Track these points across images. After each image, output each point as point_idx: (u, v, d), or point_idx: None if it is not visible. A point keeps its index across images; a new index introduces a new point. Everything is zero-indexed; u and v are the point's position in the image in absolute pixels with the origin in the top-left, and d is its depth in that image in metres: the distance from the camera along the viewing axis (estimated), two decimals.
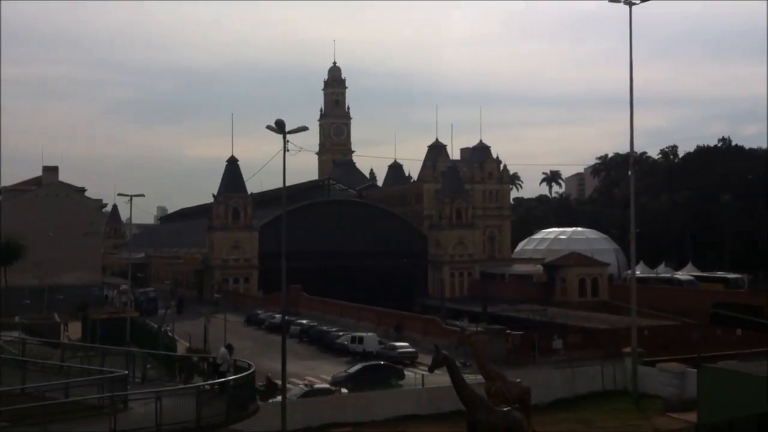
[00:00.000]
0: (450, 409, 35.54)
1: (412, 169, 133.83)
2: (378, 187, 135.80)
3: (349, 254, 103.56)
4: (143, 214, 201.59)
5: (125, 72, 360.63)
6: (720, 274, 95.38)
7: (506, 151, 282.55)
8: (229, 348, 30.91)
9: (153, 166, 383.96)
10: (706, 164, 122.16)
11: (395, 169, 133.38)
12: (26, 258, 75.77)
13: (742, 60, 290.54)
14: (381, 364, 48.80)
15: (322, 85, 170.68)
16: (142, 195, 60.06)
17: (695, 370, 35.99)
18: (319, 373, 50.18)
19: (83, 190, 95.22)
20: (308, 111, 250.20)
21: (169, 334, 55.49)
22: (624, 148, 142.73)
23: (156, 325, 57.19)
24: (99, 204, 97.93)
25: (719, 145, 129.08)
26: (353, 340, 58.37)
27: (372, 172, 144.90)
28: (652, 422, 35.94)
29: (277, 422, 31.27)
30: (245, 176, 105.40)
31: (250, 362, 28.86)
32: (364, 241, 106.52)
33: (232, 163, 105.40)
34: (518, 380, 32.69)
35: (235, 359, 30.47)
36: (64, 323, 61.53)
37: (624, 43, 41.96)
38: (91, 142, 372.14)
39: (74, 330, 62.95)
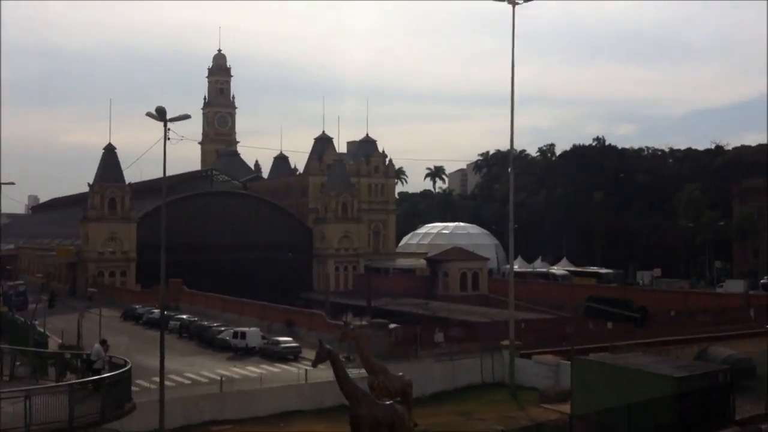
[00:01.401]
0: (333, 404, 35.59)
1: (299, 161, 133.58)
2: (263, 179, 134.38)
3: (232, 247, 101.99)
4: (13, 203, 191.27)
5: None
6: (593, 269, 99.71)
7: (392, 145, 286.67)
8: (104, 344, 29.82)
9: (24, 152, 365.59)
10: (582, 162, 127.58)
11: (281, 160, 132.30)
12: None
13: (617, 62, 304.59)
14: None
15: (206, 73, 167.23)
16: (12, 183, 56.82)
17: (569, 362, 37.37)
18: (199, 369, 49.09)
19: None
20: (191, 99, 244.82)
21: (40, 329, 52.98)
22: (505, 146, 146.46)
23: (26, 320, 54.50)
24: None
25: (594, 144, 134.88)
26: (235, 335, 57.40)
27: (257, 164, 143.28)
28: (528, 413, 37.09)
29: (155, 420, 30.42)
30: (124, 165, 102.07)
31: (126, 359, 27.92)
32: (248, 234, 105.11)
33: (110, 151, 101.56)
34: (400, 374, 33.08)
35: (111, 356, 29.42)
36: None
37: (504, 42, 43.08)
38: None
39: None
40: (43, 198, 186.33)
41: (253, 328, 59.56)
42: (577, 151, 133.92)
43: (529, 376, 43.19)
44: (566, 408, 34.13)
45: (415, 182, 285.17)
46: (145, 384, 39.53)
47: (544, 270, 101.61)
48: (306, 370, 41.39)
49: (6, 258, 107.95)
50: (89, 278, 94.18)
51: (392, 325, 56.09)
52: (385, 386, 31.23)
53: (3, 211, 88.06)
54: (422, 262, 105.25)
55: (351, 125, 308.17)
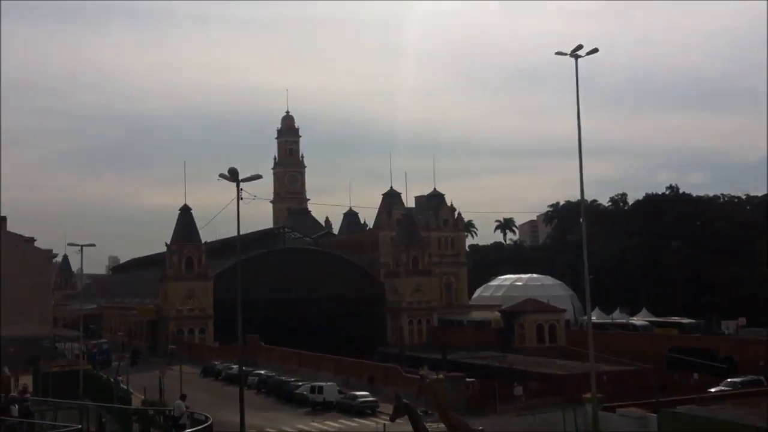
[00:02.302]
0: None
1: (368, 217, 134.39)
2: (334, 235, 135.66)
3: (306, 303, 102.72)
4: (95, 264, 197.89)
5: (72, 119, 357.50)
6: (674, 319, 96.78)
7: (460, 198, 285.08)
8: (183, 398, 30.37)
9: (104, 215, 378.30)
10: (655, 211, 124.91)
11: (350, 216, 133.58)
12: None
13: (685, 110, 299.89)
14: None
15: (275, 134, 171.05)
16: (93, 245, 58.95)
17: (655, 414, 36.19)
18: (278, 424, 49.26)
19: (32, 240, 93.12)
20: (262, 159, 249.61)
21: (123, 386, 54.14)
22: (575, 196, 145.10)
23: (109, 377, 55.78)
24: (49, 254, 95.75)
25: (667, 192, 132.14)
26: (313, 389, 57.52)
27: (327, 220, 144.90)
28: None
29: None
30: (199, 225, 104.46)
31: (207, 415, 28.33)
32: (321, 289, 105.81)
33: (185, 212, 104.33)
34: (480, 428, 32.59)
35: (192, 411, 29.92)
36: (15, 377, 59.61)
37: (571, 93, 42.87)
38: (40, 192, 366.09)
39: (25, 383, 61.01)
40: (123, 259, 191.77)
41: (330, 382, 59.60)
42: (651, 199, 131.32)
43: (614, 429, 41.82)
44: None
45: (485, 235, 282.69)
46: None
47: (624, 320, 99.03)
48: (384, 424, 41.05)
49: (89, 317, 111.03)
50: (169, 336, 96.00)
51: (469, 379, 55.50)
52: None
53: (85, 271, 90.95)
54: (496, 314, 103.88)
55: (418, 180, 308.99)
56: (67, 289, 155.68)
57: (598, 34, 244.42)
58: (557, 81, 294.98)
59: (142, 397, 52.90)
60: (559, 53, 42.38)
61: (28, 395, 31.36)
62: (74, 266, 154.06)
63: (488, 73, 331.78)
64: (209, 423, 26.75)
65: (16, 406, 27.62)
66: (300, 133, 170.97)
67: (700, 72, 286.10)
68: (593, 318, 66.64)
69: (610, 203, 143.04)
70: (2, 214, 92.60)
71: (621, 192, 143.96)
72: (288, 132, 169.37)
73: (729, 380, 54.90)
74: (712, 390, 50.07)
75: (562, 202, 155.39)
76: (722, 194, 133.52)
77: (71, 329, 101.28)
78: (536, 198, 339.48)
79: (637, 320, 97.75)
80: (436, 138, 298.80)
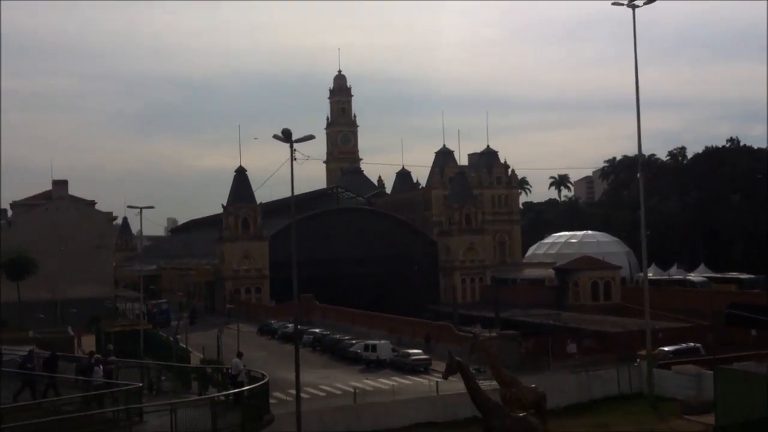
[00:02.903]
0: (465, 416, 35.45)
1: (420, 175, 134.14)
2: (386, 194, 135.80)
3: (359, 262, 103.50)
4: (153, 225, 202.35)
5: (129, 83, 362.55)
6: (733, 274, 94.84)
7: (514, 155, 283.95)
8: (240, 356, 30.96)
9: (161, 177, 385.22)
10: (715, 165, 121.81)
11: (403, 176, 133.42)
12: (38, 272, 75.99)
13: (747, 60, 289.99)
14: None
15: (327, 94, 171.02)
16: (152, 207, 59.96)
17: (711, 372, 35.75)
18: (333, 381, 50.08)
19: (93, 203, 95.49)
20: (315, 119, 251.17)
21: (182, 345, 55.51)
22: (632, 151, 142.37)
23: (169, 336, 57.24)
24: (109, 217, 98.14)
25: (727, 145, 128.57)
26: (366, 348, 58.25)
27: (380, 180, 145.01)
28: (669, 425, 35.73)
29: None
30: (254, 186, 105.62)
31: (264, 372, 28.85)
32: (374, 248, 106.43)
33: (241, 173, 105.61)
34: (533, 385, 32.55)
35: (249, 369, 30.49)
36: (77, 336, 61.64)
37: (628, 45, 42.37)
38: (98, 155, 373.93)
39: (88, 343, 63.05)
40: (181, 220, 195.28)
41: (383, 340, 60.22)
42: (710, 153, 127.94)
43: (668, 386, 41.53)
44: (710, 419, 32.72)
45: (539, 192, 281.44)
46: (282, 396, 40.71)
47: (681, 277, 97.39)
48: (437, 382, 41.43)
49: (149, 278, 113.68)
50: (226, 295, 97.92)
51: (522, 337, 55.40)
52: (518, 398, 30.80)
53: (144, 233, 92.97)
54: (550, 272, 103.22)
55: (471, 137, 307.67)
56: (127, 250, 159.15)
57: None
58: (612, 32, 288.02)
59: (201, 355, 54.19)
60: (615, 3, 41.41)
61: (113, 357, 31.77)
62: (134, 228, 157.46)
63: (539, 25, 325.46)
64: (266, 380, 27.24)
65: (101, 367, 28.14)
66: (352, 92, 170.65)
67: (760, 19, 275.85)
68: (650, 275, 65.77)
69: (668, 157, 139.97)
70: (63, 179, 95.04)
71: (680, 145, 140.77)
72: (340, 91, 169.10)
73: None
74: None
75: (618, 157, 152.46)
76: None
77: (132, 290, 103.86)
78: (592, 153, 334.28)
79: (695, 276, 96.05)
80: (488, 94, 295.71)
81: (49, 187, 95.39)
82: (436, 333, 64.23)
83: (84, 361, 29.54)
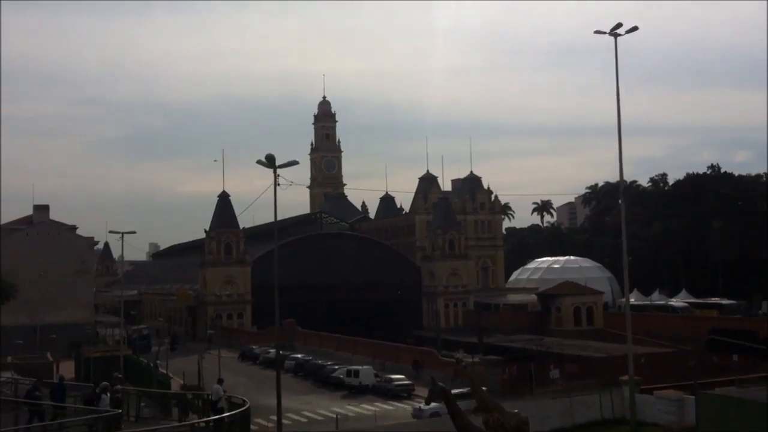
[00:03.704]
0: None
1: (404, 201, 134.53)
2: (370, 219, 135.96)
3: (343, 287, 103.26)
4: (135, 251, 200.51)
5: (113, 108, 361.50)
6: (714, 300, 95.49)
7: (497, 181, 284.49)
8: (220, 382, 30.74)
9: (144, 202, 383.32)
10: (697, 191, 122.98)
11: (387, 201, 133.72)
12: (18, 297, 75.17)
13: (729, 88, 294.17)
14: None
15: (312, 119, 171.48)
16: (134, 232, 59.70)
17: (693, 397, 35.80)
18: (315, 407, 49.70)
19: (74, 228, 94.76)
20: (299, 145, 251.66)
21: (162, 371, 55.03)
22: (614, 177, 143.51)
23: (149, 362, 56.74)
24: (90, 242, 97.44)
25: (708, 172, 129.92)
26: (349, 373, 57.97)
27: (364, 205, 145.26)
28: None
29: None
30: (237, 211, 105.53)
31: (245, 398, 28.65)
32: (357, 273, 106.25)
33: (224, 198, 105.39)
34: (516, 411, 32.41)
35: (230, 395, 30.29)
36: (56, 362, 60.93)
37: (610, 72, 42.41)
38: (81, 180, 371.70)
39: (67, 369, 62.28)
40: (164, 245, 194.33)
41: (366, 366, 59.94)
42: (692, 179, 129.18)
43: (651, 411, 41.47)
44: None
45: (522, 217, 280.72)
46: (264, 423, 40.36)
47: (663, 302, 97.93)
48: (420, 407, 41.23)
49: (130, 303, 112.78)
50: (208, 321, 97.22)
51: (505, 362, 55.32)
52: (500, 424, 30.58)
53: (125, 258, 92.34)
54: (533, 297, 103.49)
55: (455, 163, 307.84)
56: (108, 275, 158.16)
57: (638, 11, 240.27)
58: (595, 59, 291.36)
59: (181, 381, 53.73)
60: (598, 32, 41.76)
61: (120, 386, 30.90)
62: (115, 253, 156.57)
63: (524, 53, 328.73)
64: (247, 407, 27.07)
65: (108, 396, 27.56)
66: (336, 118, 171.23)
67: (742, 48, 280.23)
68: (632, 300, 66.03)
69: (650, 184, 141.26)
70: (45, 203, 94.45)
71: (661, 172, 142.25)
72: (324, 117, 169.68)
73: None
74: None
75: (600, 183, 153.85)
76: (766, 173, 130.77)
77: (112, 315, 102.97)
78: (574, 179, 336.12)
79: (676, 302, 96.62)
80: (472, 120, 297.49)
81: (30, 211, 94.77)
82: (419, 358, 64.00)
83: (90, 389, 28.97)
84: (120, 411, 26.43)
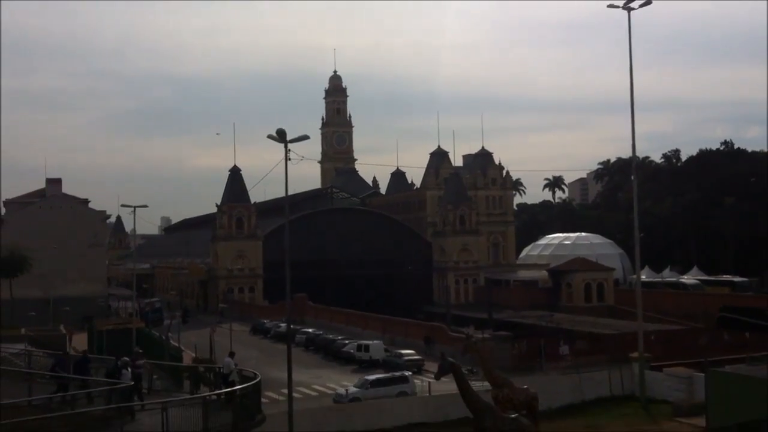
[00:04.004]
0: (458, 416, 35.38)
1: (415, 176, 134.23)
2: (381, 194, 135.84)
3: (353, 262, 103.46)
4: (147, 224, 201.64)
5: (124, 82, 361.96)
6: (726, 277, 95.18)
7: (508, 157, 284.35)
8: (232, 356, 30.90)
9: (156, 176, 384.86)
10: (709, 168, 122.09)
11: (398, 176, 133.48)
12: (31, 270, 75.83)
13: (742, 63, 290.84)
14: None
15: (323, 94, 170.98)
16: (146, 206, 59.91)
17: (703, 374, 35.84)
18: (325, 381, 50.07)
19: (87, 201, 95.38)
20: (310, 119, 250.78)
21: (174, 344, 55.44)
22: (626, 153, 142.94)
23: (161, 335, 57.18)
24: (103, 215, 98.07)
25: (721, 148, 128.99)
26: (359, 348, 58.27)
27: (375, 180, 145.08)
28: (660, 427, 35.75)
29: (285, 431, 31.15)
30: (248, 185, 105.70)
31: (256, 372, 28.81)
32: (368, 248, 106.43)
33: (235, 173, 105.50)
34: (525, 387, 32.52)
35: (241, 369, 30.45)
36: (69, 335, 61.50)
37: (623, 47, 41.89)
38: (93, 154, 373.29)
39: (80, 341, 62.87)
40: (175, 219, 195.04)
41: (376, 341, 60.23)
42: (704, 156, 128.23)
43: (660, 388, 41.63)
44: (701, 422, 32.80)
45: (534, 193, 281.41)
46: (274, 396, 40.67)
47: (674, 279, 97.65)
48: (429, 382, 41.45)
49: (142, 277, 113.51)
50: (220, 294, 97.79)
51: (519, 339, 55.39)
52: (509, 399, 30.74)
53: (138, 232, 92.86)
54: (544, 273, 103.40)
55: (466, 138, 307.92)
56: (120, 249, 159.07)
57: None
58: (608, 34, 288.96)
59: (193, 354, 54.12)
60: (611, 6, 41.40)
61: (142, 361, 30.48)
62: (127, 227, 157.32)
63: (536, 28, 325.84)
64: (257, 380, 27.20)
65: (129, 370, 27.38)
66: (347, 93, 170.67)
67: (755, 23, 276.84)
68: (642, 277, 65.89)
69: (662, 160, 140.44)
70: (57, 177, 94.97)
71: (674, 148, 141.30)
72: (335, 92, 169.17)
73: None
74: None
75: (613, 159, 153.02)
76: None
77: (125, 288, 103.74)
78: (586, 155, 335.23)
79: (688, 279, 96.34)
80: (484, 95, 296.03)
81: (42, 185, 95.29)
82: (431, 334, 64.21)
83: (112, 363, 29.12)
84: (133, 384, 26.51)
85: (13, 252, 73.93)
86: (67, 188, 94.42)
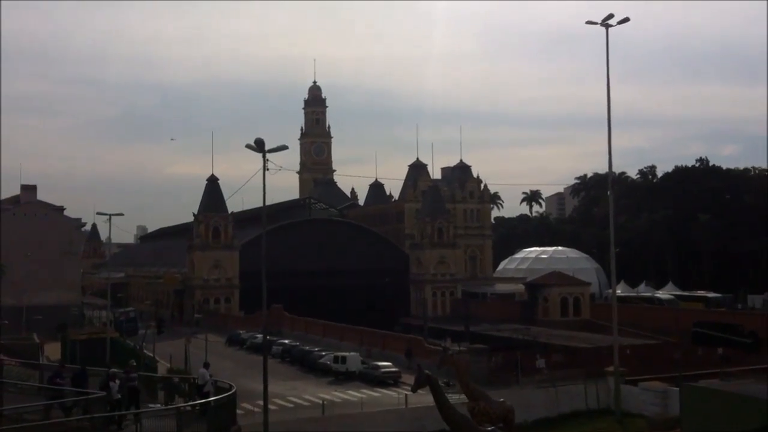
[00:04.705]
0: (433, 429, 35.25)
1: (394, 188, 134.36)
2: (359, 206, 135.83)
3: (331, 273, 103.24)
4: (123, 233, 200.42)
5: (104, 89, 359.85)
6: (700, 292, 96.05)
7: (486, 170, 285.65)
8: (206, 366, 30.67)
9: (133, 184, 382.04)
10: (685, 184, 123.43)
11: (376, 188, 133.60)
12: (4, 277, 74.88)
13: (718, 81, 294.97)
14: None
15: (302, 104, 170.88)
16: (122, 214, 59.62)
17: (678, 388, 36.04)
18: (301, 393, 49.77)
19: (62, 209, 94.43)
20: (289, 129, 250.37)
21: (149, 354, 54.91)
22: (603, 168, 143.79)
23: (135, 345, 56.62)
24: (78, 223, 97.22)
25: (697, 165, 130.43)
26: (336, 359, 58.01)
27: (353, 191, 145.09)
28: None
29: None
30: (226, 195, 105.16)
31: (231, 383, 28.62)
32: (345, 260, 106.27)
33: (213, 182, 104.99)
34: (502, 399, 32.52)
35: (216, 380, 30.25)
36: (42, 344, 60.72)
37: (601, 63, 42.29)
38: (70, 161, 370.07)
39: (53, 350, 62.11)
40: (151, 228, 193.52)
41: (353, 353, 60.01)
42: (680, 172, 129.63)
43: (635, 402, 41.80)
44: None
45: (512, 207, 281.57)
46: (250, 407, 40.33)
47: (649, 294, 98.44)
48: (406, 394, 41.34)
49: (117, 286, 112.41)
50: (195, 304, 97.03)
51: (495, 352, 55.43)
52: (486, 412, 30.67)
53: (113, 240, 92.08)
54: (521, 287, 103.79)
55: (445, 151, 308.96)
56: (95, 257, 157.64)
57: (629, 3, 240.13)
58: (588, 50, 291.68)
59: (168, 365, 53.63)
60: (589, 22, 41.80)
61: (135, 374, 29.17)
62: (103, 235, 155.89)
63: (517, 42, 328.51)
64: (233, 391, 27.04)
65: (117, 383, 26.52)
66: (327, 104, 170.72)
67: (733, 41, 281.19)
68: (618, 291, 66.31)
69: (638, 175, 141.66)
70: (32, 183, 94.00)
71: (650, 164, 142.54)
72: (315, 102, 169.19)
73: None
74: None
75: (590, 174, 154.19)
76: (754, 167, 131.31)
77: (99, 297, 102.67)
78: (564, 170, 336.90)
79: (663, 294, 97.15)
80: (463, 108, 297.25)
81: (17, 191, 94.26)
82: (411, 347, 64.00)
83: (104, 376, 28.52)
84: (104, 393, 26.06)
85: None
86: (42, 195, 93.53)
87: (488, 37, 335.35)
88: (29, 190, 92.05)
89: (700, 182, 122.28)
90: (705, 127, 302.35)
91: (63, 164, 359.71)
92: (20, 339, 63.19)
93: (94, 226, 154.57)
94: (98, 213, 61.59)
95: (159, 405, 29.76)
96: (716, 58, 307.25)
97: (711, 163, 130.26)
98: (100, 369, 33.19)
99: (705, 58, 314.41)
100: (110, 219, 58.63)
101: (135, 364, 34.19)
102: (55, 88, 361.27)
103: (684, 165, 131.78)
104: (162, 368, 51.36)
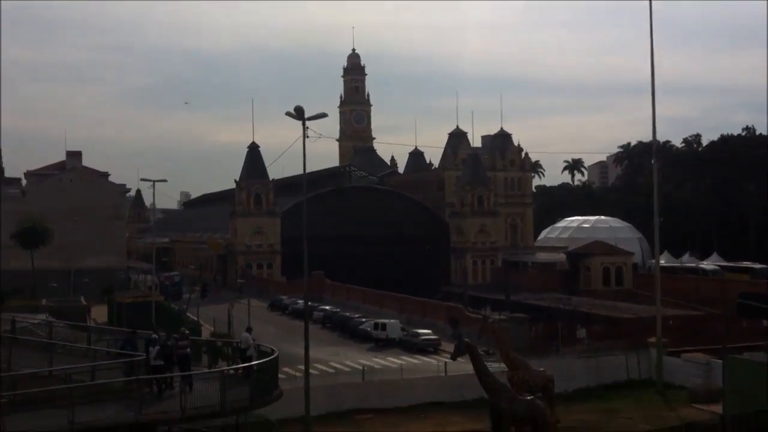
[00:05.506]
0: (473, 397, 35.46)
1: (433, 156, 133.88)
2: (399, 174, 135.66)
3: (371, 240, 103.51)
4: (166, 199, 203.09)
5: (145, 57, 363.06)
6: (745, 263, 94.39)
7: (527, 138, 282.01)
8: (249, 330, 31.05)
9: (176, 151, 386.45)
10: (730, 153, 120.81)
11: (416, 156, 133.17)
12: (52, 242, 76.52)
13: (763, 49, 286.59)
14: None
15: (341, 72, 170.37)
16: (165, 180, 60.43)
17: (721, 360, 35.64)
18: (342, 359, 50.29)
19: (107, 174, 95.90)
20: (329, 97, 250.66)
21: (193, 318, 55.85)
22: (647, 137, 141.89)
23: (180, 309, 57.62)
24: (123, 189, 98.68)
25: (743, 134, 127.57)
26: (376, 326, 58.39)
27: (393, 159, 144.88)
28: (677, 413, 35.63)
29: (301, 407, 31.38)
30: (266, 162, 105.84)
31: (273, 347, 28.96)
32: (385, 227, 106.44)
33: (254, 149, 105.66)
34: (542, 369, 32.56)
35: (259, 344, 30.63)
36: (89, 306, 62.16)
37: (645, 31, 41.49)
38: (114, 127, 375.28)
39: (100, 313, 63.55)
40: (195, 194, 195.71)
41: (393, 320, 60.35)
42: (726, 141, 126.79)
43: (677, 374, 41.43)
44: (717, 408, 32.64)
45: (553, 175, 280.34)
46: (291, 372, 40.93)
47: (693, 265, 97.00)
48: (445, 362, 41.48)
49: (161, 251, 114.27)
50: (238, 270, 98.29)
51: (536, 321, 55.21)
52: (525, 381, 30.85)
53: (157, 206, 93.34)
54: (562, 256, 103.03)
55: (485, 119, 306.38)
56: (140, 222, 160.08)
57: None
58: (631, 16, 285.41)
59: (212, 329, 54.52)
60: None
61: (187, 341, 27.83)
62: (147, 201, 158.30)
63: (558, 9, 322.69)
64: (275, 355, 27.33)
65: (155, 349, 25.39)
66: (366, 71, 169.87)
67: None
68: (662, 261, 65.50)
69: (683, 144, 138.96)
70: (78, 150, 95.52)
71: (695, 132, 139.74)
72: (354, 70, 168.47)
73: None
74: None
75: (633, 143, 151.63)
76: None
77: (144, 262, 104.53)
78: (607, 138, 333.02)
79: (707, 264, 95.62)
80: (503, 76, 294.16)
81: (63, 157, 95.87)
82: (456, 315, 63.98)
83: (125, 337, 28.76)
84: (144, 357, 26.13)
85: (34, 223, 74.60)
86: (87, 161, 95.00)
87: (529, 5, 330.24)
88: (74, 156, 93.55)
89: (746, 151, 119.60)
90: (751, 95, 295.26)
91: (107, 131, 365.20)
92: (68, 302, 64.79)
93: (138, 191, 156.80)
94: (142, 179, 62.31)
95: (204, 368, 30.25)
96: (761, 26, 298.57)
97: (758, 132, 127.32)
98: (145, 332, 33.65)
99: (753, 24, 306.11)
100: (154, 185, 59.50)
101: (187, 332, 34.22)
102: (98, 56, 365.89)
103: (730, 134, 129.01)
104: (206, 332, 52.20)
